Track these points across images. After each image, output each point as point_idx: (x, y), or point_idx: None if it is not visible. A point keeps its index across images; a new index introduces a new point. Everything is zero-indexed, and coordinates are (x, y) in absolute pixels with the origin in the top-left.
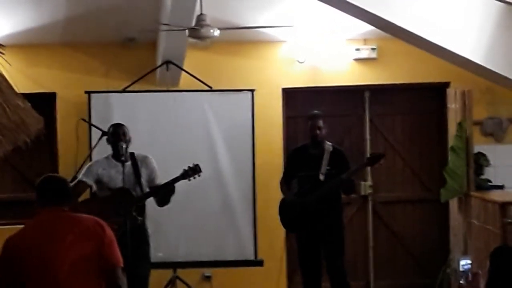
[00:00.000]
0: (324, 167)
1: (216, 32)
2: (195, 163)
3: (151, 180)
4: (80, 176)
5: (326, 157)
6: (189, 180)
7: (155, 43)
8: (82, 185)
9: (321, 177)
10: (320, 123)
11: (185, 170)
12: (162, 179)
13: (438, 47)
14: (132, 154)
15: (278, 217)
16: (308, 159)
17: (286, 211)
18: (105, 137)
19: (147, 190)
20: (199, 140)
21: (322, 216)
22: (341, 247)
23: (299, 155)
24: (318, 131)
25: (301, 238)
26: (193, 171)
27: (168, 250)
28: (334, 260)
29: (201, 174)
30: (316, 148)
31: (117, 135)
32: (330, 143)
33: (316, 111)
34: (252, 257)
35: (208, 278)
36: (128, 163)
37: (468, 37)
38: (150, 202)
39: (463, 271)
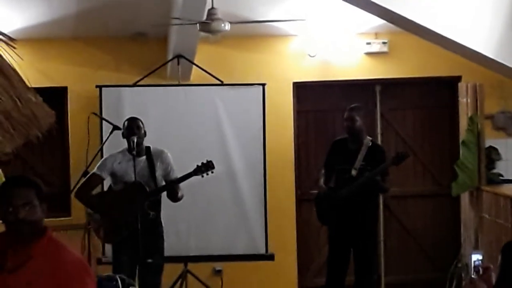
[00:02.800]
0: (358, 162)
1: (227, 26)
2: (208, 159)
3: (167, 174)
4: (94, 169)
5: (362, 152)
6: (202, 176)
7: (166, 37)
8: (95, 178)
9: (353, 172)
10: (354, 115)
11: (198, 166)
12: (176, 173)
13: (450, 40)
14: (148, 148)
15: (288, 211)
16: (345, 153)
17: (320, 204)
18: (116, 131)
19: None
20: (210, 134)
21: (353, 213)
22: (371, 250)
23: (339, 147)
24: (349, 123)
25: (331, 233)
26: (206, 167)
27: (179, 244)
28: (362, 262)
29: (214, 170)
30: (355, 142)
31: (130, 129)
32: (370, 138)
33: (354, 104)
34: (263, 251)
35: (219, 272)
36: (143, 158)
37: (480, 30)
38: (163, 196)
39: (474, 265)
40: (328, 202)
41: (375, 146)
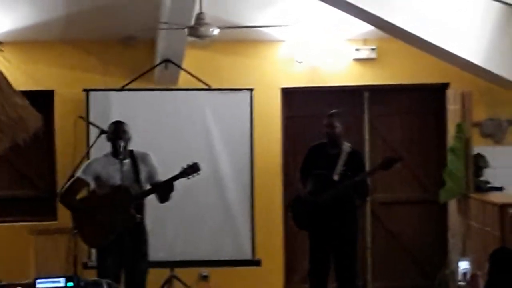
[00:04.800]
0: (339, 167)
1: (216, 31)
2: (194, 161)
3: (150, 177)
4: (78, 174)
5: (343, 157)
6: (188, 178)
7: (154, 41)
8: (80, 182)
9: (335, 177)
10: (334, 121)
11: (184, 168)
12: (160, 177)
13: (438, 48)
14: (131, 151)
15: (275, 217)
16: (325, 158)
17: (298, 208)
18: (103, 135)
19: (147, 187)
20: (197, 139)
21: (334, 217)
22: (352, 255)
23: (317, 153)
24: (329, 129)
25: (312, 238)
26: (192, 169)
27: (165, 249)
28: (343, 267)
29: (200, 172)
30: (334, 148)
31: (116, 132)
32: (349, 144)
33: (334, 110)
34: (249, 257)
35: (205, 278)
36: (127, 161)
37: (468, 38)
38: (149, 200)
39: (462, 272)
40: (309, 206)
41: (354, 152)
